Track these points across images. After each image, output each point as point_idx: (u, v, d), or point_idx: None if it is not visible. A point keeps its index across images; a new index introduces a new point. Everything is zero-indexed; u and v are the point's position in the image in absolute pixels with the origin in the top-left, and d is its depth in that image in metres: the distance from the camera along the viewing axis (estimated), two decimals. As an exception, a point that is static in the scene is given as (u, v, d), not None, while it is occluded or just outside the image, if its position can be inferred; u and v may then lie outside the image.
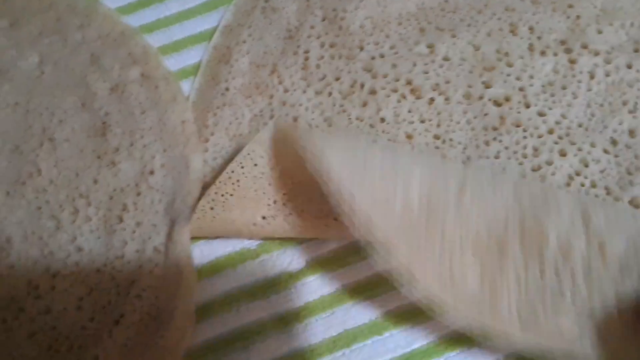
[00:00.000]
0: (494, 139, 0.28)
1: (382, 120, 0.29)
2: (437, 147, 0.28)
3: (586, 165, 0.27)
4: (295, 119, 0.30)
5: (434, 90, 0.29)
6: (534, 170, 0.28)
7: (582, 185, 0.26)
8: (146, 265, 0.27)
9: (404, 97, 0.29)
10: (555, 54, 0.29)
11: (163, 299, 0.27)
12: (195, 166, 0.29)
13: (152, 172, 0.29)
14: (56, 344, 0.27)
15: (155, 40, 0.32)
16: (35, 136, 0.30)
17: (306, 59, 0.31)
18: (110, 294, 0.27)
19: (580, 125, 0.28)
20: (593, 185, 0.26)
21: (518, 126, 0.28)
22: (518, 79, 0.29)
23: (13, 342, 0.27)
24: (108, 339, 0.26)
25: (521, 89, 0.29)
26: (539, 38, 0.30)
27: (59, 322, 0.27)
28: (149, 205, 0.28)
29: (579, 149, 0.27)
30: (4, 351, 0.27)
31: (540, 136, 0.27)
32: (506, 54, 0.30)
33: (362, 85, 0.30)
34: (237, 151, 0.29)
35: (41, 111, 0.31)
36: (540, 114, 0.28)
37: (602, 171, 0.26)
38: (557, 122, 0.28)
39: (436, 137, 0.29)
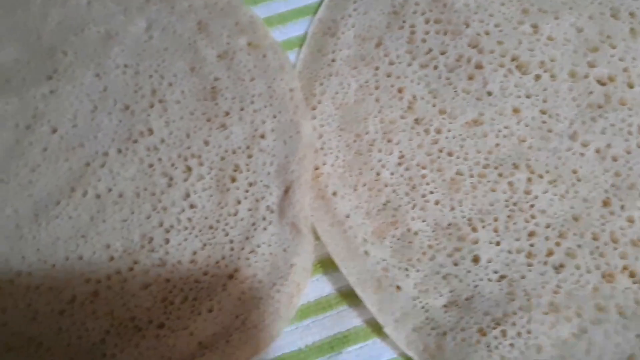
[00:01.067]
0: (600, 115, 0.30)
1: (489, 93, 0.31)
2: (543, 122, 0.30)
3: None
4: (400, 90, 0.32)
5: (540, 67, 0.31)
6: (638, 146, 0.29)
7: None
8: (260, 223, 0.29)
9: (511, 72, 0.31)
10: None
11: (279, 255, 0.28)
12: (306, 131, 0.31)
13: (262, 136, 0.31)
14: (170, 296, 0.28)
15: (261, 12, 0.34)
16: (146, 97, 0.32)
17: (412, 32, 0.33)
18: (224, 249, 0.29)
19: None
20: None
21: (623, 104, 0.30)
22: (621, 59, 0.31)
23: (128, 292, 0.28)
24: (222, 292, 0.28)
25: (625, 70, 0.31)
26: (640, 23, 0.32)
27: (173, 275, 0.29)
28: (261, 167, 0.30)
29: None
30: (119, 302, 0.28)
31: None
32: (608, 37, 0.32)
33: (469, 60, 0.32)
34: (343, 119, 0.31)
35: (151, 73, 0.33)
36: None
37: None
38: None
39: (542, 111, 0.31)
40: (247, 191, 0.30)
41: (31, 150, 0.32)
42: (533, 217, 0.28)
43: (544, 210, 0.28)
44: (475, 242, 0.28)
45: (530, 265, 0.27)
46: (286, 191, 0.30)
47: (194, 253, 0.29)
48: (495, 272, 0.27)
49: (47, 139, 0.32)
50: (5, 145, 0.32)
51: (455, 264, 0.28)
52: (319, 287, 0.29)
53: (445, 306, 0.27)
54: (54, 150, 0.32)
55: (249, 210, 0.30)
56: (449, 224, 0.29)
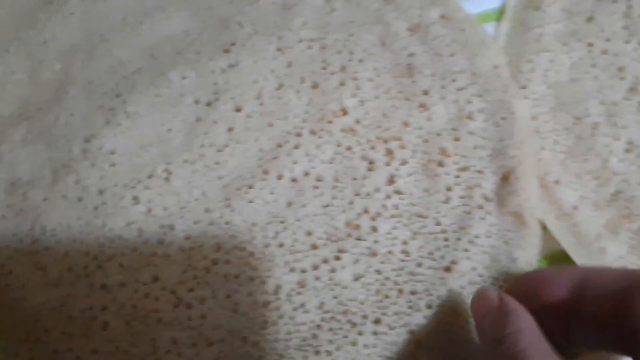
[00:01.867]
0: None
1: None
2: None
3: None
4: (620, 69, 0.30)
5: None
6: None
7: None
8: (475, 212, 0.28)
9: None
10: None
11: (500, 248, 0.27)
12: (521, 113, 0.29)
13: (470, 117, 0.29)
14: (384, 289, 0.27)
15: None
16: (336, 74, 0.31)
17: (629, 7, 0.31)
18: (438, 240, 0.28)
19: None
20: None
21: None
22: None
23: (338, 284, 0.27)
24: (441, 287, 0.27)
25: None
26: None
27: (385, 266, 0.27)
28: (472, 151, 0.29)
29: None
30: (329, 294, 0.27)
31: None
32: None
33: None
34: (557, 100, 0.30)
35: (339, 49, 0.31)
36: None
37: None
38: None
39: None
40: (457, 177, 0.29)
41: (216, 129, 0.31)
42: None
43: None
44: None
45: None
46: (505, 178, 0.28)
47: (405, 242, 0.28)
48: None
49: (232, 117, 0.31)
50: (186, 123, 0.31)
51: None
52: None
53: None
54: (241, 130, 0.30)
55: (462, 197, 0.28)
56: None
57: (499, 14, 0.32)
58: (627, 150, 0.28)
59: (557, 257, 0.28)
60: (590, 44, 0.30)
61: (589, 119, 0.29)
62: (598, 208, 0.27)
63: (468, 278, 0.27)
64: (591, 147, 0.28)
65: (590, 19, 0.31)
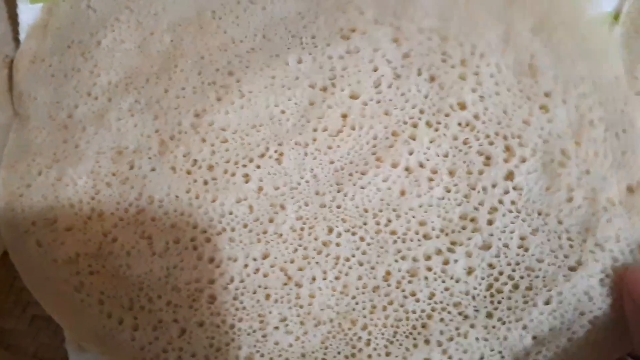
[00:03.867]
0: None
1: None
2: None
3: None
4: None
5: None
6: None
7: None
8: (601, 214, 0.30)
9: None
10: None
11: (630, 255, 0.29)
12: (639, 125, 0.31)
13: (591, 124, 0.32)
14: (497, 284, 0.30)
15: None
16: (456, 68, 0.33)
17: None
18: (561, 238, 0.30)
19: None
20: None
21: None
22: None
23: (451, 276, 0.30)
24: (564, 284, 0.29)
25: None
26: None
27: (499, 260, 0.30)
28: (593, 157, 0.31)
29: None
30: (441, 285, 0.30)
31: None
32: None
33: None
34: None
35: (461, 41, 0.34)
36: None
37: None
38: None
39: None
40: (579, 179, 0.31)
41: (330, 114, 0.33)
42: None
43: None
44: None
45: None
46: (631, 189, 0.30)
47: (523, 238, 0.30)
48: None
49: (348, 103, 0.33)
50: (300, 106, 0.34)
51: None
52: None
53: None
54: (356, 117, 0.33)
55: (586, 199, 0.30)
56: None
57: (614, 18, 0.35)
58: None
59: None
60: None
61: None
62: None
63: (597, 280, 0.29)
64: None
65: None
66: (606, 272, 0.29)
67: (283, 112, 0.34)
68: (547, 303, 0.29)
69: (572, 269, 0.29)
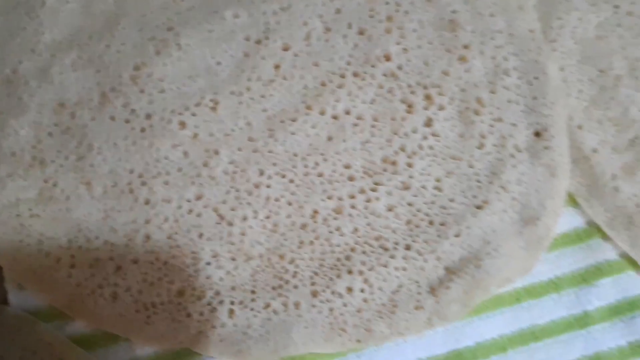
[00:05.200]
0: None
1: None
2: None
3: None
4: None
5: None
6: None
7: None
8: (507, 160, 0.32)
9: None
10: None
11: (531, 196, 0.32)
12: (553, 74, 0.34)
13: (506, 73, 0.34)
14: (415, 219, 0.32)
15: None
16: (382, 23, 0.36)
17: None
18: (470, 180, 0.32)
19: None
20: None
21: None
22: None
23: (373, 212, 0.32)
24: (472, 219, 0.31)
25: None
26: None
27: (417, 199, 0.32)
28: (506, 104, 0.34)
29: None
30: (364, 220, 0.32)
31: None
32: None
33: None
34: (583, 54, 0.35)
35: (387, 0, 0.36)
36: None
37: None
38: None
39: None
40: (492, 126, 0.34)
41: (263, 65, 0.35)
42: None
43: None
44: None
45: None
46: (538, 134, 0.33)
47: (438, 180, 0.33)
48: None
49: (280, 55, 0.35)
50: (235, 58, 0.36)
51: None
52: (569, 219, 0.33)
53: None
54: (288, 68, 0.35)
55: (495, 145, 0.33)
56: None
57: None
58: (647, 101, 0.34)
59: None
60: (617, 6, 0.36)
61: (612, 72, 0.34)
62: (617, 152, 0.33)
63: (498, 217, 0.32)
64: (613, 97, 0.34)
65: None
66: (506, 210, 0.32)
67: (219, 63, 0.36)
68: (457, 236, 0.32)
69: (478, 207, 0.32)
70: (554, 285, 0.32)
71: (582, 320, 0.31)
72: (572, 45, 0.36)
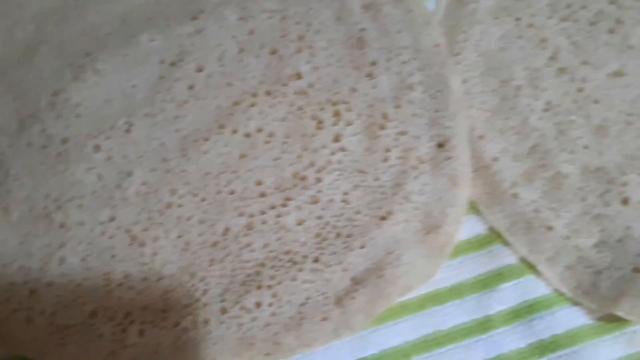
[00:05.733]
0: None
1: (630, 47, 0.36)
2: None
3: None
4: (543, 40, 0.36)
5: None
6: None
7: None
8: (410, 172, 0.34)
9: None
10: None
11: (433, 205, 0.33)
12: (455, 86, 0.35)
13: (410, 88, 0.35)
14: (324, 232, 0.33)
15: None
16: (293, 42, 0.37)
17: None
18: (375, 193, 0.33)
19: None
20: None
21: None
22: None
23: (283, 227, 0.33)
24: (376, 230, 0.32)
25: None
26: None
27: (326, 212, 0.33)
28: (410, 118, 0.35)
29: None
30: (274, 235, 0.33)
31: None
32: None
33: (609, 15, 0.36)
34: (486, 65, 0.36)
35: (297, 20, 0.37)
36: None
37: None
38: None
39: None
40: (396, 140, 0.35)
41: (178, 86, 0.36)
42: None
43: None
44: (625, 185, 0.33)
45: None
46: (440, 145, 0.34)
47: (345, 193, 0.34)
48: None
49: (194, 76, 0.36)
50: (150, 81, 0.36)
51: (606, 205, 0.32)
52: (471, 227, 0.34)
53: (596, 246, 0.31)
54: (201, 88, 0.36)
55: (399, 158, 0.34)
56: (598, 168, 0.33)
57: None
58: (546, 110, 0.35)
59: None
60: (518, 19, 0.37)
61: (513, 82, 0.36)
62: (517, 159, 0.34)
63: (401, 227, 0.33)
64: (514, 107, 0.35)
65: (521, -2, 0.38)
66: (409, 220, 0.32)
67: (134, 86, 0.37)
68: (362, 247, 0.32)
69: (383, 218, 0.33)
70: (457, 291, 0.32)
71: (484, 325, 0.32)
72: (475, 57, 0.37)
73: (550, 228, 0.33)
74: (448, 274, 0.33)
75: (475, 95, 0.36)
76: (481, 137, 0.35)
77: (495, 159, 0.34)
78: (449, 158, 0.34)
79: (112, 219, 0.34)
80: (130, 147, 0.35)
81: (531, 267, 0.33)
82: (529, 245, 0.33)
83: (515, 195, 0.34)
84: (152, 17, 0.39)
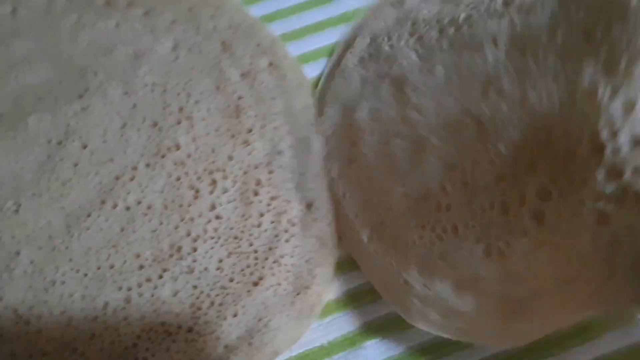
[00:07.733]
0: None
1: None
2: None
3: None
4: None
5: None
6: None
7: None
8: (282, 235, 0.35)
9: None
10: None
11: (302, 266, 0.34)
12: (316, 147, 0.37)
13: (280, 153, 0.37)
14: (198, 302, 0.34)
15: (276, 28, 0.41)
16: (173, 114, 0.39)
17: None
18: (249, 258, 0.35)
19: None
20: None
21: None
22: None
23: (158, 299, 0.34)
24: (247, 298, 0.34)
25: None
26: None
27: (200, 282, 0.34)
28: (281, 182, 0.36)
29: None
30: (150, 308, 0.34)
31: None
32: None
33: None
34: (343, 115, 0.37)
35: (178, 91, 0.39)
36: None
37: None
38: None
39: None
40: (269, 205, 0.36)
41: (62, 165, 0.38)
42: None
43: None
44: None
45: None
46: (308, 206, 0.35)
47: (220, 261, 0.35)
48: None
49: (78, 154, 0.38)
50: (38, 161, 0.38)
51: None
52: (342, 284, 0.35)
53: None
54: (85, 165, 0.38)
55: (272, 222, 0.36)
56: None
57: (316, 55, 0.41)
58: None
59: (349, 264, 0.36)
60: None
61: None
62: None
63: (272, 291, 0.34)
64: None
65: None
66: (280, 283, 0.34)
67: (22, 167, 0.38)
68: (234, 316, 0.34)
69: (254, 284, 0.34)
70: (326, 351, 0.34)
71: (351, 384, 0.33)
72: (337, 110, 0.38)
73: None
74: (318, 334, 0.34)
75: (334, 156, 0.37)
76: (344, 195, 0.36)
77: (357, 216, 0.36)
78: (315, 220, 0.35)
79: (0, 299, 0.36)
80: (18, 227, 0.37)
81: (397, 322, 0.34)
82: (400, 300, 0.33)
83: (375, 252, 0.34)
84: (43, 96, 0.41)
